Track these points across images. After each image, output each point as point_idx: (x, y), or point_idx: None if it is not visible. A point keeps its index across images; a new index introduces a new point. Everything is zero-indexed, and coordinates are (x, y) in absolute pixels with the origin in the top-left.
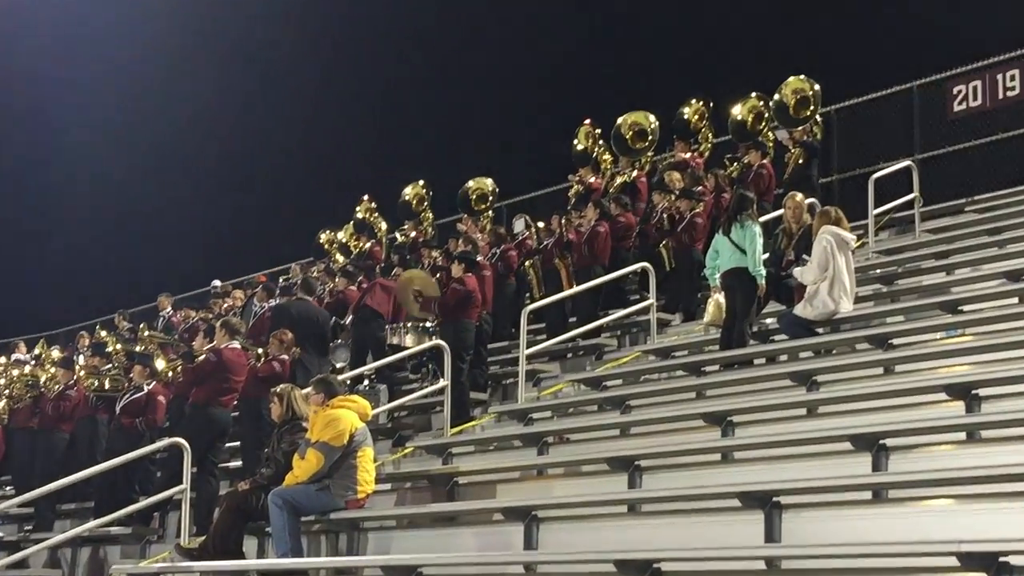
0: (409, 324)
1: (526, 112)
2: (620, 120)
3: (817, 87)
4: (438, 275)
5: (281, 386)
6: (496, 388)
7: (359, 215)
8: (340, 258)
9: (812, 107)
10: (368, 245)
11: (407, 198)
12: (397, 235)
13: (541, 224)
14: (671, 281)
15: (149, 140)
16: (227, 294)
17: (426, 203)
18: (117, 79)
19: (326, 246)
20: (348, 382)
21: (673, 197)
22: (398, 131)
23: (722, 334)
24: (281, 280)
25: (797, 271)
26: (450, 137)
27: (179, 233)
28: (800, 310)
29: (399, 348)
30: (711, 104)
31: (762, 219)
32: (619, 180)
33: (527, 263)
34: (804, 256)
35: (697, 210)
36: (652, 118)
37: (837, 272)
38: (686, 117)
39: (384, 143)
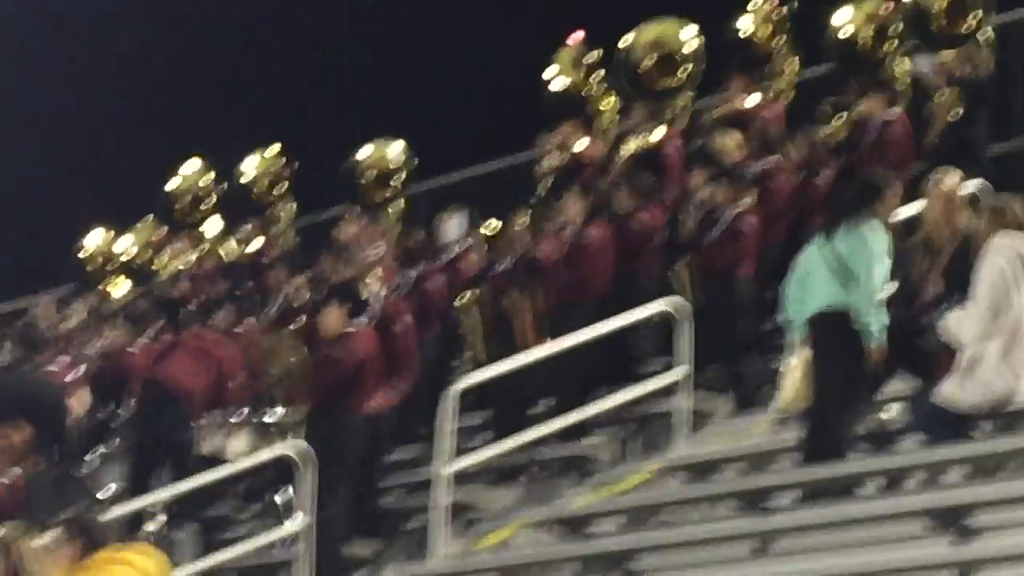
0: (240, 418)
1: (464, 29)
2: (631, 37)
3: None
4: (300, 320)
5: (1, 530)
6: (396, 533)
7: (175, 197)
8: (121, 288)
9: (978, 15)
10: (192, 258)
11: (249, 178)
12: (222, 250)
13: (490, 226)
14: (706, 335)
15: None
16: None
17: (284, 186)
18: None
19: (92, 267)
20: (125, 522)
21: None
22: (239, 65)
23: (807, 434)
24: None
25: (946, 321)
26: (329, 73)
27: None
28: (949, 391)
29: (218, 460)
30: (795, 4)
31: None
32: (632, 145)
33: (461, 299)
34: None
35: (744, 203)
36: (690, 31)
37: (1019, 321)
38: (749, 31)
39: (218, 85)
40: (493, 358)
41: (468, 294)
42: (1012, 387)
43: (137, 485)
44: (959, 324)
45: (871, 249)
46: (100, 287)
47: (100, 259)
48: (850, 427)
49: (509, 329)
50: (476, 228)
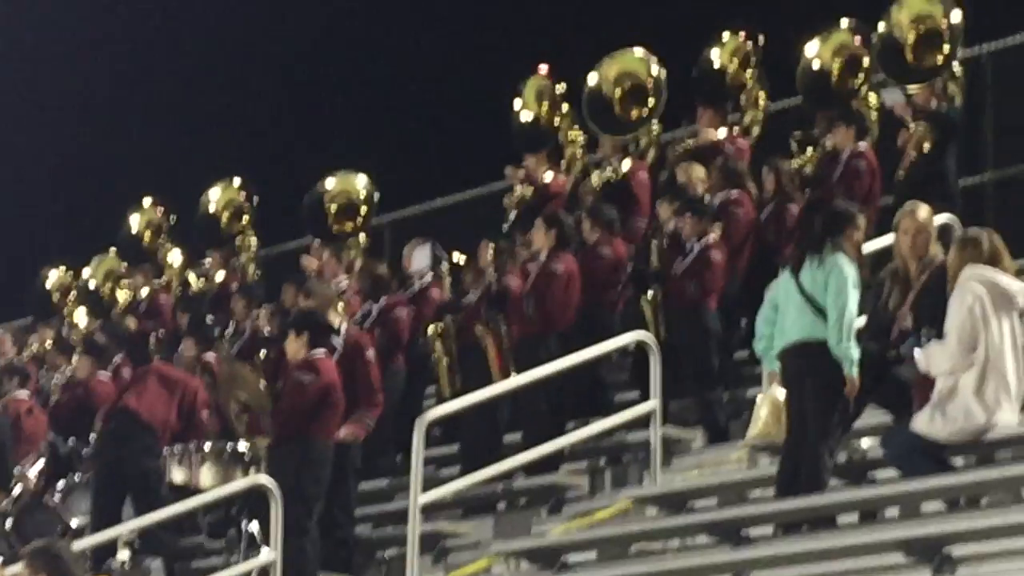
0: (207, 448)
1: (429, 57)
2: (600, 70)
3: (957, 14)
4: (263, 354)
5: None
6: (369, 565)
7: (134, 230)
8: (81, 320)
9: (947, 48)
10: (144, 292)
11: (212, 209)
12: (192, 277)
13: (458, 258)
14: (674, 368)
15: None
16: None
17: (246, 218)
18: None
19: (57, 296)
20: (89, 554)
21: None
22: (199, 92)
23: (781, 466)
24: None
25: (919, 353)
26: (293, 104)
27: None
28: (924, 423)
29: (188, 491)
30: (761, 40)
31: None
32: (597, 178)
33: (431, 331)
34: (926, 330)
35: (712, 236)
36: (655, 65)
37: (992, 353)
38: (718, 65)
39: (178, 119)
40: (458, 389)
41: (436, 326)
42: (985, 420)
43: (105, 516)
44: (932, 357)
45: (843, 280)
46: (60, 318)
47: (61, 290)
48: (828, 460)
49: (478, 360)
50: (440, 260)
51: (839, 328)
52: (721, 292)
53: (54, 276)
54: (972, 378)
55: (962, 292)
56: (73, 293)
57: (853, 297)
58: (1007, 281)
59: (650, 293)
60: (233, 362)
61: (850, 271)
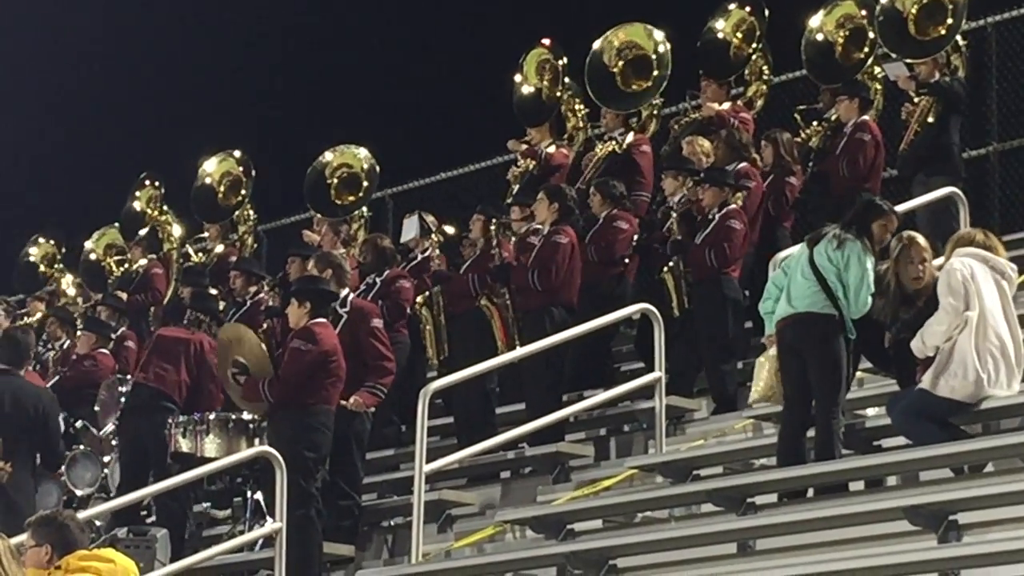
0: (212, 418)
1: (432, 29)
2: (602, 41)
3: None
4: (267, 324)
5: None
6: (374, 534)
7: (136, 207)
8: (70, 289)
9: (951, 21)
10: (143, 264)
11: (210, 181)
12: (191, 250)
13: (448, 229)
14: (687, 338)
15: None
16: None
17: (245, 192)
18: None
19: (44, 268)
20: (100, 524)
21: (692, 183)
22: (201, 66)
23: (780, 436)
24: None
25: (916, 341)
26: (294, 76)
27: None
28: (927, 386)
29: (193, 460)
30: (765, 12)
31: None
32: (601, 150)
33: (418, 301)
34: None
35: (732, 206)
36: (659, 36)
37: (985, 317)
38: (722, 37)
39: (177, 93)
40: (445, 359)
41: (420, 297)
42: (986, 383)
43: (124, 487)
44: (927, 331)
45: (861, 272)
46: (56, 290)
47: (45, 264)
48: (839, 429)
49: (466, 330)
50: (429, 231)
51: (859, 300)
52: (741, 259)
53: (36, 249)
54: (967, 340)
55: (950, 265)
56: (59, 264)
57: (869, 278)
58: (997, 259)
59: (671, 264)
60: (237, 325)
61: (869, 266)
